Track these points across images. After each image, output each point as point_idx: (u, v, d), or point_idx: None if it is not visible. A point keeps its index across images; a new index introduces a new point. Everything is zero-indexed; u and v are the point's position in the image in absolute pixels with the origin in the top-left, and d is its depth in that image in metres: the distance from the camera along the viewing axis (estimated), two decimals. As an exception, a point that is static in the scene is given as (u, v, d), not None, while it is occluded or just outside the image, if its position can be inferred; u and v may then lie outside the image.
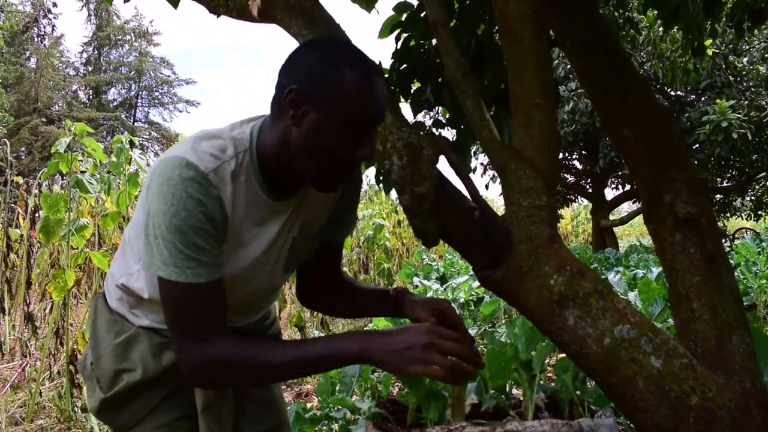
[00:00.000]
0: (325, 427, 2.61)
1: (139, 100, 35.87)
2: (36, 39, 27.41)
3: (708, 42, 4.12)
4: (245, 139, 1.18)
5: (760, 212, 13.08)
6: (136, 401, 1.27)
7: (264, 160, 1.18)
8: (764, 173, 10.84)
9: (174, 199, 1.06)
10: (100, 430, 3.25)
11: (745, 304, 5.22)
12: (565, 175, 12.98)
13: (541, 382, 1.57)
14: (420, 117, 2.27)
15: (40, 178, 4.41)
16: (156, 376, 1.26)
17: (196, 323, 1.10)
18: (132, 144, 4.54)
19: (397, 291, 1.39)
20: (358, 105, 1.09)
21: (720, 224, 13.51)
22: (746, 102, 9.05)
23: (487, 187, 12.51)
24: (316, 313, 5.91)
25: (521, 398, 1.46)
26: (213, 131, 1.19)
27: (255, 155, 1.18)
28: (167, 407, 1.28)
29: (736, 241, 9.05)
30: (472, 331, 3.74)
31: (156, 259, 1.08)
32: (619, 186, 13.30)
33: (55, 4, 27.48)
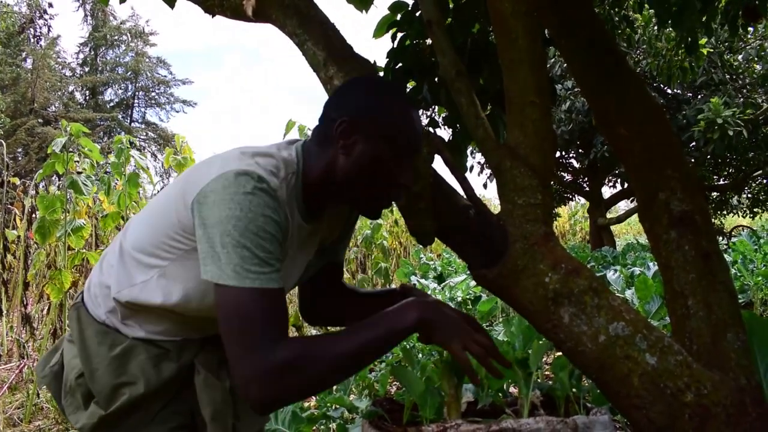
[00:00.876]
0: (322, 426, 2.61)
1: (136, 101, 35.78)
2: (32, 40, 27.36)
3: (703, 41, 4.13)
4: (293, 162, 1.22)
5: (756, 210, 13.10)
6: (134, 415, 1.23)
7: (307, 185, 1.22)
8: (761, 171, 10.86)
9: (252, 205, 1.05)
10: None
11: (741, 301, 5.24)
12: (563, 173, 13.00)
13: (538, 380, 1.57)
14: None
15: (36, 179, 4.41)
16: (157, 388, 1.23)
17: (270, 330, 1.04)
18: (132, 144, 4.53)
19: (404, 286, 1.43)
20: (402, 134, 1.20)
21: (717, 222, 13.55)
22: (741, 100, 9.07)
23: (485, 186, 12.53)
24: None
25: (517, 396, 1.46)
26: (259, 149, 1.19)
27: (300, 178, 1.22)
28: (162, 418, 1.26)
29: (733, 239, 9.08)
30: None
31: (226, 268, 1.03)
32: (617, 184, 13.32)
33: (50, 5, 27.43)
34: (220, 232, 1.04)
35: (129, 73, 35.16)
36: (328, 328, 3.41)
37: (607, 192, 13.26)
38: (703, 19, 3.08)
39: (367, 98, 1.22)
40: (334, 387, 2.83)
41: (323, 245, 1.40)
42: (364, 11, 2.22)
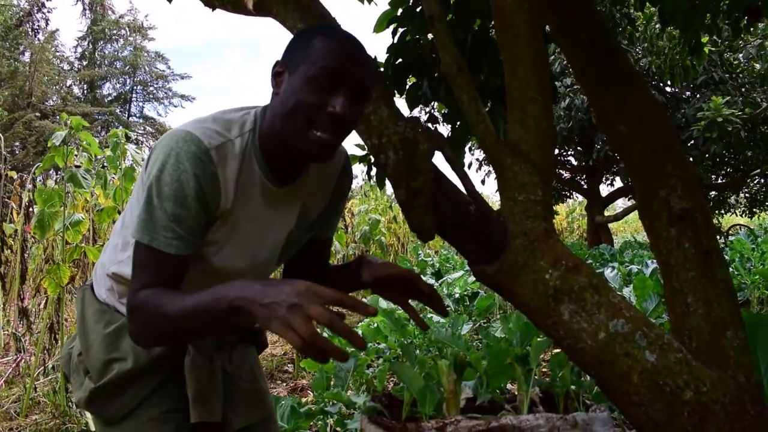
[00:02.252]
0: (320, 422, 2.61)
1: (134, 95, 35.72)
2: (30, 33, 27.26)
3: (705, 39, 4.13)
4: (250, 121, 1.22)
5: (754, 209, 13.11)
6: (126, 392, 1.27)
7: (262, 140, 1.22)
8: (759, 170, 10.87)
9: (171, 169, 1.11)
10: (95, 424, 3.24)
11: (738, 300, 5.23)
12: (561, 171, 13.00)
13: (537, 377, 1.57)
14: (415, 112, 2.27)
15: (34, 173, 4.39)
16: (147, 365, 1.26)
17: (144, 279, 1.12)
18: (128, 138, 4.52)
19: (358, 257, 1.39)
20: (321, 59, 1.13)
21: (715, 221, 13.54)
22: (741, 98, 9.07)
23: (483, 182, 12.53)
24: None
25: (516, 393, 1.46)
26: (220, 112, 1.23)
27: (257, 136, 1.22)
28: (157, 399, 1.28)
29: (731, 237, 9.09)
30: (466, 327, 3.74)
31: (139, 225, 1.12)
32: (614, 182, 13.33)
33: (49, -2, 27.33)
34: (147, 191, 1.12)
35: (127, 67, 35.09)
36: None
37: (605, 190, 13.28)
38: (708, 18, 3.08)
39: (296, 37, 1.22)
40: (331, 383, 2.84)
41: (309, 218, 1.37)
42: (365, 2, 2.21)
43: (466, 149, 2.28)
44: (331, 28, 1.23)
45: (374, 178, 2.22)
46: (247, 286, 1.01)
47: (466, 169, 2.11)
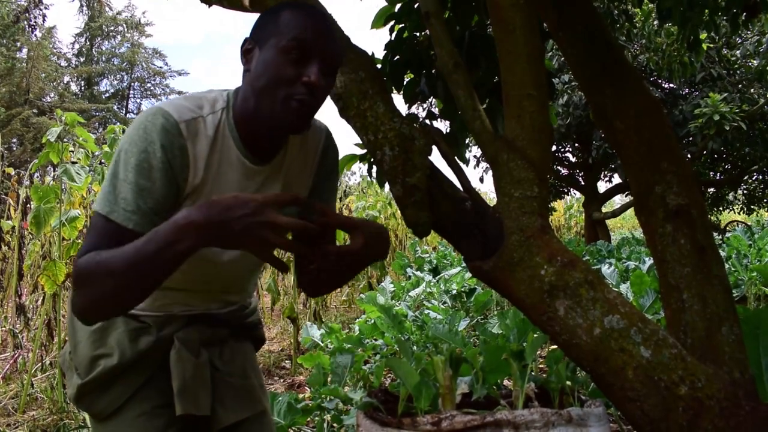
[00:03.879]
0: (317, 418, 2.62)
1: (131, 92, 35.69)
2: (27, 30, 27.18)
3: (703, 36, 4.13)
4: (222, 99, 1.22)
5: (752, 206, 13.13)
6: (114, 388, 1.27)
7: (236, 118, 1.21)
8: (757, 167, 10.88)
9: (139, 140, 1.10)
10: (90, 422, 3.24)
11: (735, 296, 5.25)
12: (559, 167, 13.01)
13: (533, 372, 1.58)
14: (413, 109, 2.27)
15: (31, 169, 4.38)
16: (132, 360, 1.26)
17: (92, 246, 1.06)
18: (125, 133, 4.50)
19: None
20: (290, 31, 1.13)
21: (713, 218, 13.57)
22: (738, 95, 9.07)
23: (481, 180, 12.54)
24: (308, 304, 5.91)
25: (512, 388, 1.46)
26: (195, 93, 1.23)
27: (231, 114, 1.21)
28: (146, 394, 1.28)
29: (728, 234, 9.11)
30: (463, 323, 3.75)
31: (101, 196, 1.10)
32: (612, 179, 13.34)
33: (46, -6, 27.24)
34: (114, 162, 1.11)
35: (124, 63, 35.01)
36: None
37: (602, 186, 13.29)
38: (705, 14, 3.08)
39: (265, 14, 1.21)
40: (328, 379, 2.84)
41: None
42: None
43: (466, 145, 2.27)
44: (299, 2, 1.21)
45: (374, 176, 2.22)
46: (193, 211, 0.99)
47: (463, 166, 2.11)
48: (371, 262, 1.24)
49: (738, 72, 9.66)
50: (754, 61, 9.14)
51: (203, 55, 72.21)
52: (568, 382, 1.44)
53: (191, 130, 1.15)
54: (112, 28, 35.19)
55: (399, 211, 1.63)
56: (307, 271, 1.37)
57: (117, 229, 1.07)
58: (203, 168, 1.17)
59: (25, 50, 27.42)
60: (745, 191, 13.18)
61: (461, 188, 1.46)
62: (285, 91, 1.13)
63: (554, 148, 12.06)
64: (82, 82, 34.14)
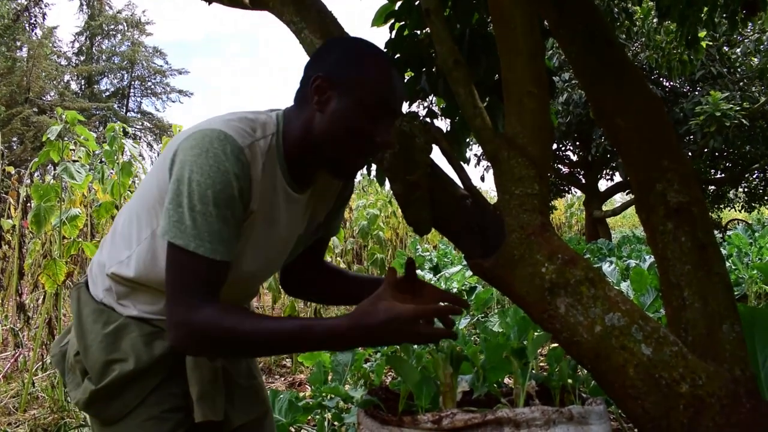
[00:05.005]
0: (318, 416, 2.62)
1: (132, 90, 35.65)
2: (27, 28, 27.17)
3: (702, 34, 4.13)
4: (273, 123, 1.21)
5: (753, 204, 13.11)
6: (127, 392, 1.24)
7: (288, 147, 1.21)
8: (758, 165, 10.87)
9: (212, 171, 1.08)
10: (92, 424, 3.24)
11: (736, 294, 5.25)
12: (559, 165, 13.00)
13: (533, 370, 1.58)
14: (414, 108, 2.26)
15: (31, 168, 4.38)
16: (148, 365, 1.24)
17: (198, 291, 1.09)
18: (125, 133, 4.50)
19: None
20: (378, 90, 1.16)
21: (714, 216, 13.56)
22: (739, 93, 9.06)
23: (482, 179, 12.51)
24: (309, 303, 5.91)
25: (513, 386, 1.46)
26: (240, 113, 1.21)
27: (281, 140, 1.21)
28: (157, 398, 1.25)
29: (729, 232, 9.10)
30: (464, 321, 3.75)
31: (176, 227, 1.08)
32: (613, 177, 13.33)
33: (46, -7, 27.23)
34: (183, 192, 1.08)
35: (125, 62, 35.00)
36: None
37: (603, 185, 13.28)
38: (704, 12, 3.08)
39: (343, 54, 1.19)
40: (329, 377, 2.84)
41: (316, 221, 1.39)
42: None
43: (467, 144, 2.26)
44: (377, 50, 1.22)
45: (374, 174, 2.22)
46: (351, 322, 1.07)
47: (466, 164, 2.11)
48: None
49: (739, 70, 9.65)
50: (755, 59, 9.13)
51: (204, 53, 72.24)
52: (569, 380, 1.44)
53: (252, 155, 1.14)
54: (112, 26, 35.16)
55: (399, 210, 1.64)
56: (297, 278, 1.51)
57: (206, 263, 1.08)
58: (258, 192, 1.17)
59: (25, 49, 27.41)
60: (745, 189, 13.16)
61: (462, 186, 1.46)
62: (360, 147, 1.17)
63: (555, 146, 12.05)
64: (83, 80, 34.11)
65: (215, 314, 1.07)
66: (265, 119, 1.21)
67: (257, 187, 1.16)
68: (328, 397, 2.57)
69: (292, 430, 2.85)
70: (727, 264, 5.52)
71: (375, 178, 2.18)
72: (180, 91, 35.83)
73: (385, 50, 2.14)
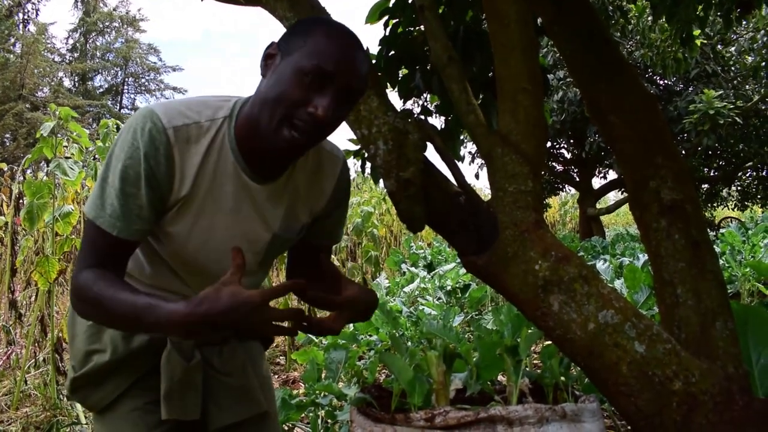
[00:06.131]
0: (311, 414, 2.61)
1: (126, 87, 35.56)
2: (20, 24, 27.03)
3: (697, 32, 4.13)
4: (227, 107, 1.17)
5: (746, 202, 13.16)
6: (106, 383, 1.28)
7: (239, 130, 1.16)
8: (751, 163, 10.91)
9: (125, 145, 1.09)
10: (85, 417, 3.24)
11: (729, 292, 5.26)
12: (554, 163, 13.02)
13: (527, 368, 1.57)
14: (408, 104, 2.26)
15: (24, 165, 4.36)
16: (124, 358, 1.26)
17: (89, 259, 1.12)
18: (118, 129, 4.48)
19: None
20: (317, 55, 1.07)
21: (707, 214, 13.60)
22: (733, 91, 9.09)
23: (477, 176, 12.52)
24: (302, 301, 5.91)
25: (506, 384, 1.46)
26: (204, 96, 1.19)
27: (233, 125, 1.16)
28: (139, 391, 1.28)
29: (722, 230, 9.13)
30: (458, 319, 3.75)
31: (91, 199, 1.12)
32: (607, 175, 13.36)
33: (40, -11, 27.09)
34: (105, 165, 1.12)
35: (119, 59, 34.88)
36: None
37: (597, 183, 13.31)
38: (699, 9, 3.08)
39: (298, 24, 1.16)
40: (323, 375, 2.84)
41: (298, 222, 1.30)
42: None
43: (461, 141, 2.26)
44: (338, 25, 1.15)
45: (368, 172, 2.21)
46: (190, 308, 0.99)
47: (460, 161, 2.11)
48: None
49: (733, 68, 9.68)
50: (749, 58, 9.15)
51: (201, 52, 72.04)
52: (562, 378, 1.44)
53: (180, 137, 1.11)
54: (107, 23, 35.03)
55: (393, 207, 1.63)
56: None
57: (103, 235, 1.10)
58: (193, 177, 1.14)
59: (19, 45, 27.28)
60: (739, 187, 13.21)
61: (455, 183, 1.45)
62: (285, 111, 1.07)
63: (549, 144, 12.06)
64: (76, 77, 33.99)
65: (90, 278, 1.08)
66: (220, 103, 1.18)
67: (191, 171, 1.13)
68: (322, 394, 2.56)
69: (286, 427, 2.84)
70: (721, 262, 5.53)
71: (369, 176, 2.18)
72: (174, 88, 35.76)
73: (379, 47, 2.14)
